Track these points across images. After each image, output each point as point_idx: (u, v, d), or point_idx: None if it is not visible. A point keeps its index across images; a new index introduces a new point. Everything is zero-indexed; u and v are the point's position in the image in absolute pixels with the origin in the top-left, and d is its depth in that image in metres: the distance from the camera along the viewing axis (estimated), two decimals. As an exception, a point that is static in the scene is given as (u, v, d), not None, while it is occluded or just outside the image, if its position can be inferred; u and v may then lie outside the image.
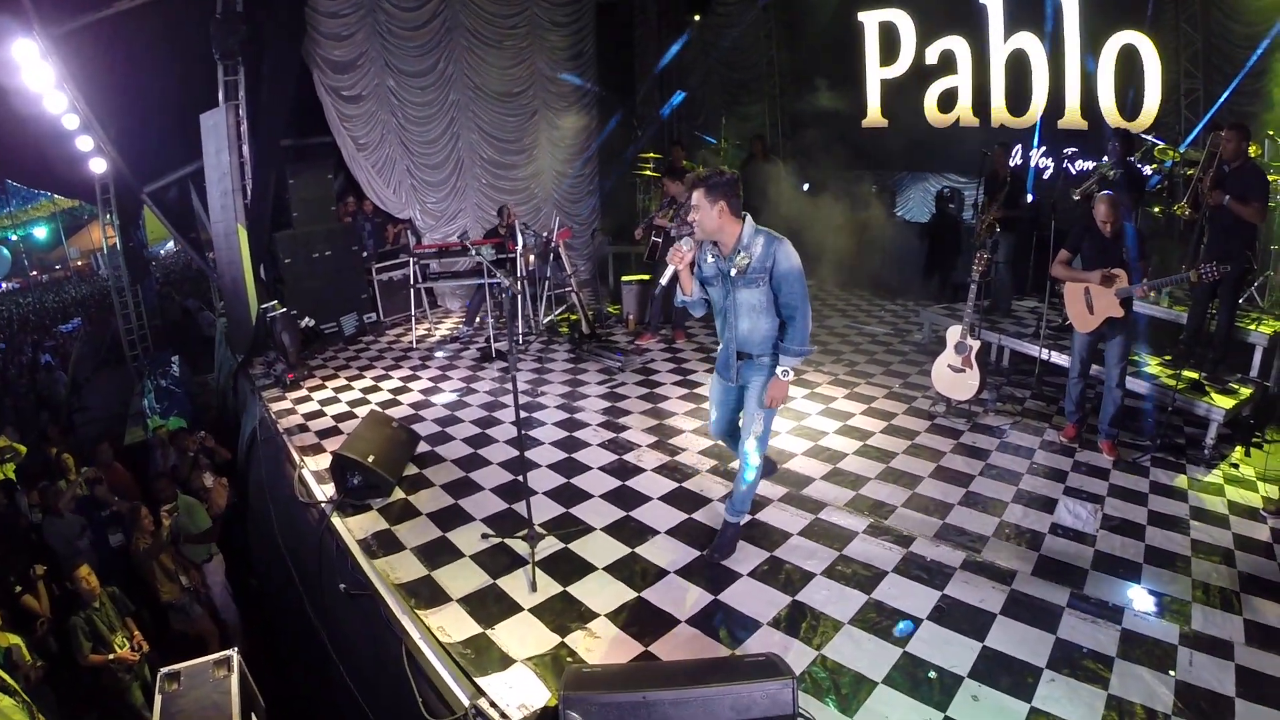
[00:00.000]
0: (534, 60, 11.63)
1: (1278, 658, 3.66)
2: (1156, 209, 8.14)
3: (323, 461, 6.14)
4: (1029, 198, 9.35)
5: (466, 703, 3.43)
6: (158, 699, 5.44)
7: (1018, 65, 9.80)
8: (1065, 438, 6.03)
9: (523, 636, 3.89)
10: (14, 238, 29.61)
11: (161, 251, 24.43)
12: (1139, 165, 7.90)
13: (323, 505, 5.41)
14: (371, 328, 10.46)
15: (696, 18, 12.96)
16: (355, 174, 10.42)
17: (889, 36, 11.04)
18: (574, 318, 9.58)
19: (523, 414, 6.59)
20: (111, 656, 6.32)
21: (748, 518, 4.83)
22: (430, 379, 8.21)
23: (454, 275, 10.08)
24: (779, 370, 4.22)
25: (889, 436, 6.23)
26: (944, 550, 4.55)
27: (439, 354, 9.11)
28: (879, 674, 3.55)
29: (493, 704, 3.39)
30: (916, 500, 5.20)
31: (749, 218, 4.22)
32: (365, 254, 10.73)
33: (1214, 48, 9.22)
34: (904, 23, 10.85)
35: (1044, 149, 10.20)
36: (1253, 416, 6.33)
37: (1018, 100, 9.94)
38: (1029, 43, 9.64)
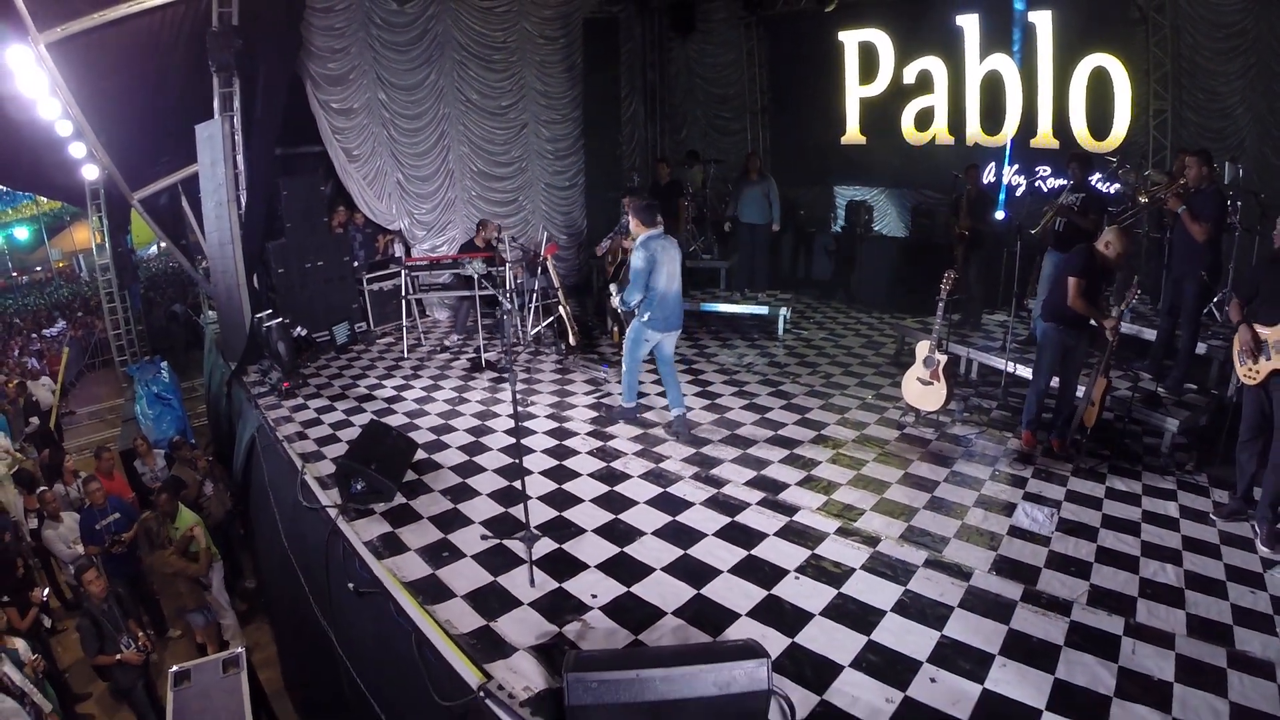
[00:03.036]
0: (523, 74, 12.10)
1: (1216, 647, 4.10)
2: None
3: (324, 468, 6.54)
4: (1001, 215, 9.87)
5: (475, 686, 3.85)
6: (170, 696, 5.83)
7: (992, 86, 10.25)
8: (1025, 445, 6.52)
9: (524, 628, 4.32)
10: (-2, 238, 29.96)
11: (145, 255, 24.57)
12: (1098, 186, 8.41)
13: (328, 510, 5.81)
14: (362, 336, 10.81)
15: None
16: (347, 185, 10.82)
17: (868, 56, 11.42)
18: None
19: (513, 423, 7.10)
20: (119, 656, 6.69)
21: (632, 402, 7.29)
22: (423, 388, 8.61)
23: (444, 288, 10.49)
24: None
25: (860, 446, 6.71)
26: (908, 550, 5.02)
27: (430, 364, 9.51)
28: (846, 659, 4.00)
29: (500, 686, 3.81)
30: (884, 504, 5.66)
31: (651, 228, 6.58)
32: (356, 264, 11.10)
33: (1183, 70, 9.76)
34: (883, 43, 11.22)
35: (1016, 167, 10.72)
36: (1208, 425, 6.78)
37: (992, 120, 10.40)
38: (1003, 64, 10.06)
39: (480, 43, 11.60)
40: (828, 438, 6.87)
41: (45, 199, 26.01)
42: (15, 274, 29.81)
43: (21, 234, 29.80)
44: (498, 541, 5.23)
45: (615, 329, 9.99)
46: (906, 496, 5.77)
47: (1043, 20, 9.53)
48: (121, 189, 10.78)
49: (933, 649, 4.08)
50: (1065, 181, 8.56)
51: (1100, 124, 9.39)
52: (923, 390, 6.76)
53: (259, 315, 9.13)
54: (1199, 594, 4.61)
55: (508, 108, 12.11)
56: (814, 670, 3.93)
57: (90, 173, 12.57)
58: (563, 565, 4.94)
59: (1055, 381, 6.49)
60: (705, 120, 14.51)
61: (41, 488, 8.70)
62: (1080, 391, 6.34)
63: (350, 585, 5.06)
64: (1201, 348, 7.24)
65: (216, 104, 9.71)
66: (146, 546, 7.47)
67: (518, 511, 5.29)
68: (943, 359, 6.62)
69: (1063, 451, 6.38)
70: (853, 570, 4.80)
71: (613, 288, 7.48)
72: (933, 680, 3.86)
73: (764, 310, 10.50)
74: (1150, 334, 7.84)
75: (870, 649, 4.09)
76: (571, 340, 9.37)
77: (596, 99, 12.65)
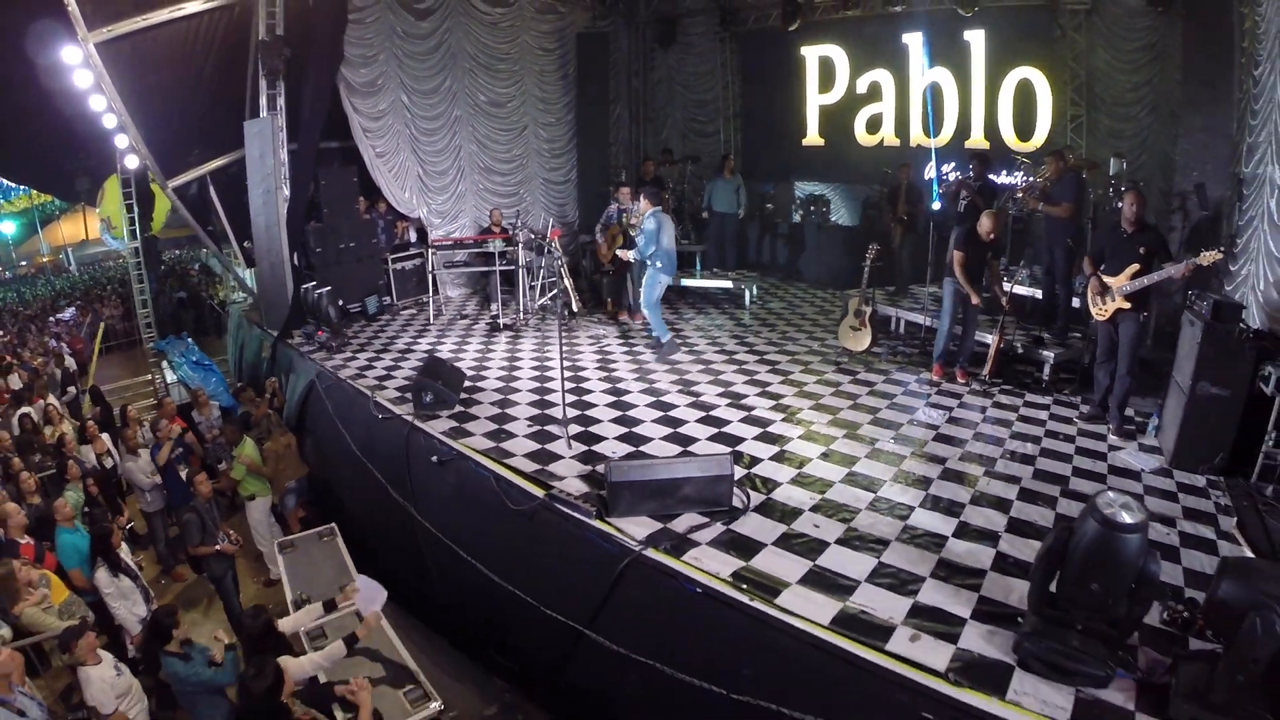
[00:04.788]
0: (524, 82, 14.45)
1: (1052, 485, 6.41)
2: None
3: (388, 395, 8.82)
4: (936, 205, 12.28)
5: (542, 495, 6.20)
6: (280, 559, 7.98)
7: (933, 95, 12.48)
8: (935, 375, 8.92)
9: (568, 468, 6.71)
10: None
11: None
12: (994, 180, 10.83)
13: (405, 416, 8.11)
14: (386, 309, 13.01)
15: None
16: (375, 179, 13.00)
17: (826, 68, 13.64)
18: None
19: (535, 362, 9.44)
20: (218, 547, 8.85)
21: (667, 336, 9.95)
22: (454, 344, 10.91)
23: (466, 264, 12.84)
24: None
25: (805, 374, 9.15)
26: (832, 429, 7.48)
27: (454, 328, 11.81)
28: (785, 479, 6.45)
29: (561, 490, 6.17)
30: (818, 407, 8.12)
31: (657, 205, 9.62)
32: (380, 246, 13.33)
33: (1096, 79, 12.03)
34: (839, 57, 13.43)
35: (954, 164, 13.10)
36: (1090, 363, 8.85)
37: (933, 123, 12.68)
38: (942, 76, 12.27)
39: (487, 53, 13.87)
40: (780, 370, 9.28)
41: (38, 192, 27.75)
42: (18, 266, 31.23)
43: (8, 228, 31.39)
44: (540, 427, 7.64)
45: (609, 300, 12.32)
46: (835, 403, 8.21)
47: (976, 38, 11.75)
48: (157, 178, 12.60)
49: (843, 475, 6.53)
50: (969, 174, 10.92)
51: (1025, 127, 11.62)
52: (854, 335, 9.17)
53: (306, 286, 11.32)
54: (1048, 459, 6.92)
55: (510, 111, 14.41)
56: (763, 484, 6.36)
57: (131, 163, 14.55)
58: (589, 438, 7.36)
59: (959, 330, 8.91)
60: (684, 123, 16.91)
61: (112, 429, 10.69)
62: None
63: (434, 458, 7.34)
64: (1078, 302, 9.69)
65: (264, 103, 11.80)
66: (272, 431, 9.66)
67: (554, 412, 7.75)
68: (868, 310, 9.04)
69: (964, 381, 8.81)
70: (790, 439, 7.26)
71: (619, 251, 10.55)
72: (847, 490, 6.27)
73: (733, 286, 12.96)
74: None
75: (801, 476, 6.53)
76: (574, 308, 11.70)
77: (588, 104, 15.09)
